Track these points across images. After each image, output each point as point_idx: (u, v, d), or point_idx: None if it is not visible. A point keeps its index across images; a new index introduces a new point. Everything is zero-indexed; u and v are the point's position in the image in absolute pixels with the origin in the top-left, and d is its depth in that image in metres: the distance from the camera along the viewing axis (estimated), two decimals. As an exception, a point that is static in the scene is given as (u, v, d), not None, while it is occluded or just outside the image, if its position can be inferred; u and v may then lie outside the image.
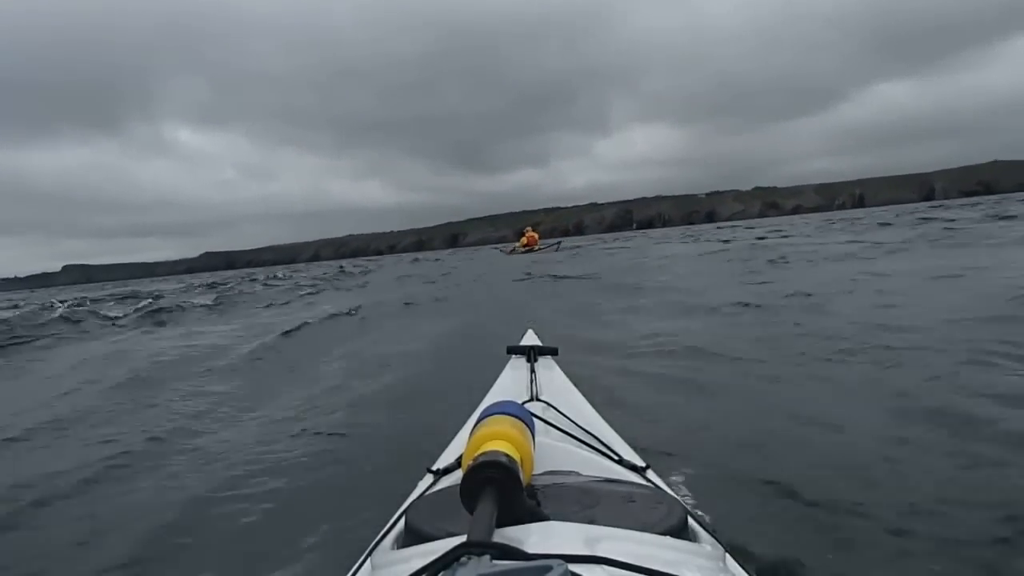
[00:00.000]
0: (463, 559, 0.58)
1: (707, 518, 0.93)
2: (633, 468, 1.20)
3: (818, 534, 1.76)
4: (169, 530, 2.18)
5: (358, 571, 0.88)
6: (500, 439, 0.82)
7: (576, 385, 1.80)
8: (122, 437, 3.35)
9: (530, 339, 2.11)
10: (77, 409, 4.13)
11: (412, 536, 0.85)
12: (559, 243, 30.58)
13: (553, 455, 1.15)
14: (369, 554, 0.87)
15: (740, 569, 0.83)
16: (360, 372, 4.61)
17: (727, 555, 0.82)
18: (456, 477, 1.08)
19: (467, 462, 0.78)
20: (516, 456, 0.79)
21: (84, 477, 2.76)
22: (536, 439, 1.00)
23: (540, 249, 25.92)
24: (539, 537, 0.70)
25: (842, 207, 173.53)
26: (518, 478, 0.74)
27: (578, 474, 1.05)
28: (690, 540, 0.81)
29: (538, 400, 1.52)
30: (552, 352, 1.94)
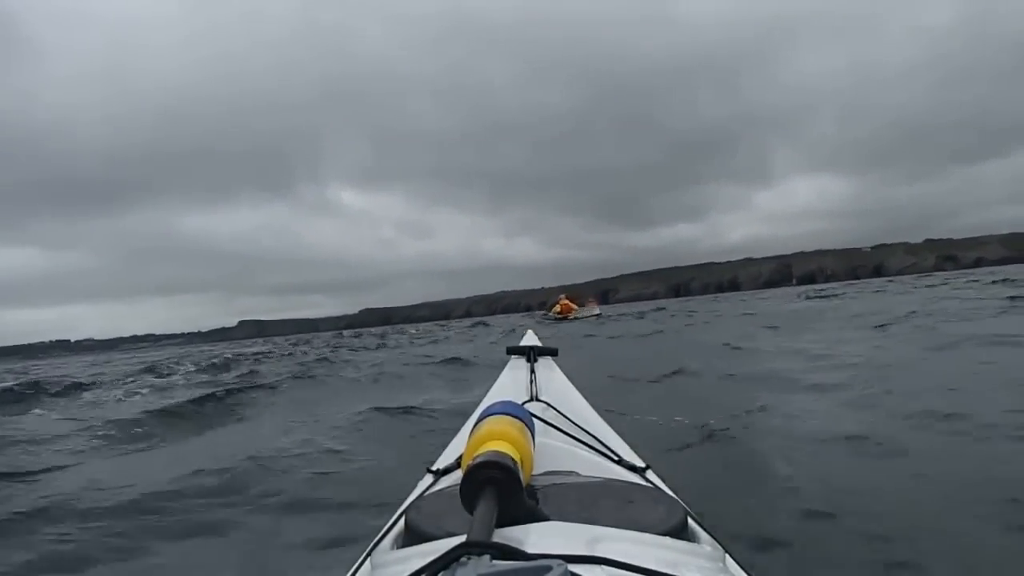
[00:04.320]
0: (463, 559, 0.58)
1: (707, 518, 0.93)
2: (633, 468, 1.20)
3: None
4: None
5: (358, 571, 0.88)
6: (500, 439, 0.82)
7: (575, 386, 1.80)
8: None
9: (530, 340, 2.11)
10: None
11: (412, 536, 0.84)
12: (599, 313, 25.64)
13: (553, 455, 1.15)
14: (369, 554, 0.87)
15: (740, 570, 0.83)
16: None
17: (727, 555, 0.82)
18: (456, 477, 1.08)
19: (467, 462, 0.78)
20: (516, 456, 0.79)
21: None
22: (536, 439, 1.00)
23: (577, 318, 23.24)
24: (539, 537, 0.70)
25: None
26: (518, 478, 0.74)
27: (578, 474, 1.05)
28: (690, 540, 0.81)
29: (538, 400, 1.52)
30: (552, 353, 1.94)
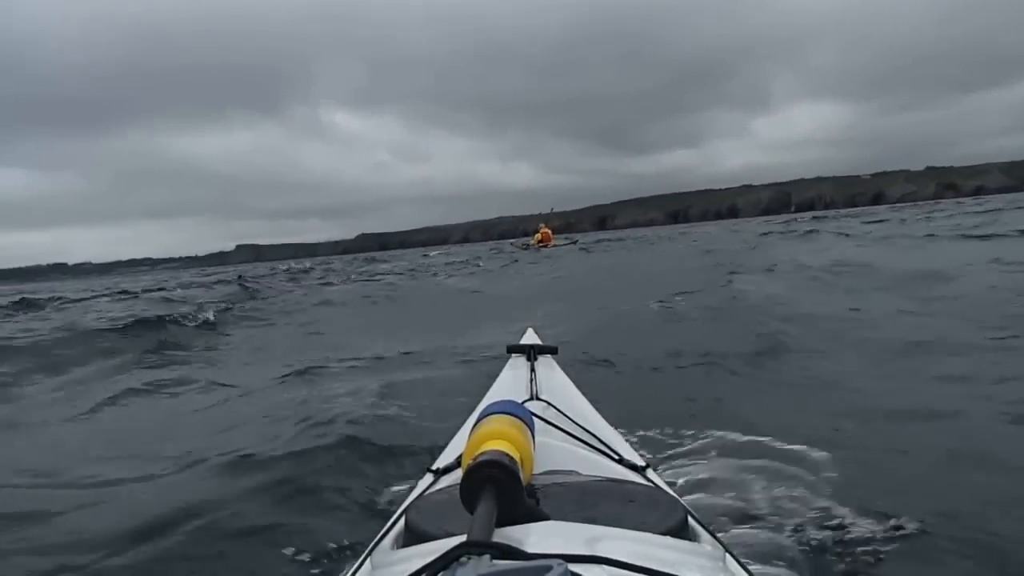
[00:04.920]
0: (463, 559, 0.58)
1: (707, 518, 0.93)
2: (633, 468, 1.20)
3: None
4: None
5: (358, 571, 0.88)
6: (500, 438, 0.82)
7: (576, 384, 1.79)
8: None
9: (530, 338, 2.10)
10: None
11: (412, 536, 0.84)
12: (576, 240, 29.97)
13: (553, 454, 1.15)
14: (369, 554, 0.87)
15: (740, 569, 0.83)
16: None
17: (727, 555, 0.82)
18: (456, 476, 1.08)
19: (467, 461, 0.78)
20: (516, 455, 0.78)
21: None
22: (536, 438, 1.00)
23: (556, 245, 25.44)
24: (539, 537, 0.70)
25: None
26: (518, 478, 0.74)
27: (578, 473, 1.05)
28: (690, 540, 0.81)
29: (538, 399, 1.52)
30: (552, 351, 1.94)
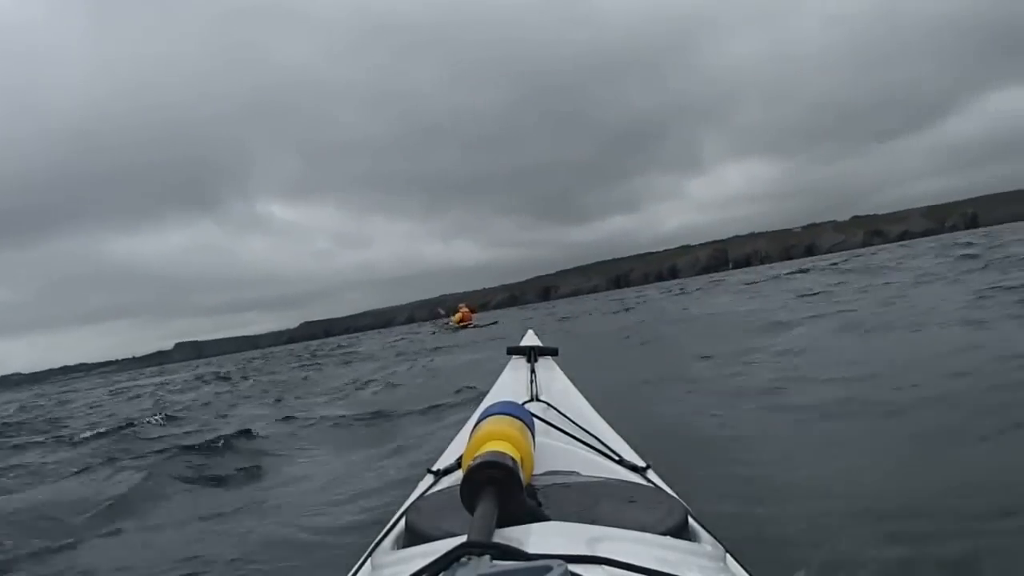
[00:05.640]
0: (463, 559, 0.58)
1: (707, 518, 0.93)
2: (633, 468, 1.19)
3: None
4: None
5: (358, 571, 0.88)
6: (500, 439, 0.82)
7: (576, 385, 1.79)
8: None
9: (530, 339, 2.10)
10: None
11: (412, 536, 0.84)
12: (496, 321, 26.92)
13: (553, 455, 1.15)
14: (369, 554, 0.87)
15: (740, 569, 0.83)
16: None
17: (727, 555, 0.82)
18: (456, 477, 1.08)
19: (467, 462, 0.78)
20: (516, 456, 0.78)
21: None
22: (536, 439, 1.00)
23: (477, 326, 23.50)
24: (539, 537, 0.70)
25: (954, 229, 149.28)
26: (518, 478, 0.74)
27: (578, 474, 1.05)
28: (691, 540, 0.81)
29: (538, 400, 1.52)
30: (552, 352, 1.94)
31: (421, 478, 1.25)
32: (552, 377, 1.80)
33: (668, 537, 0.76)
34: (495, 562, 0.57)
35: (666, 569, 0.64)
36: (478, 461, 0.75)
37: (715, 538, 0.86)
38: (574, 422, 1.36)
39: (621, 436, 1.44)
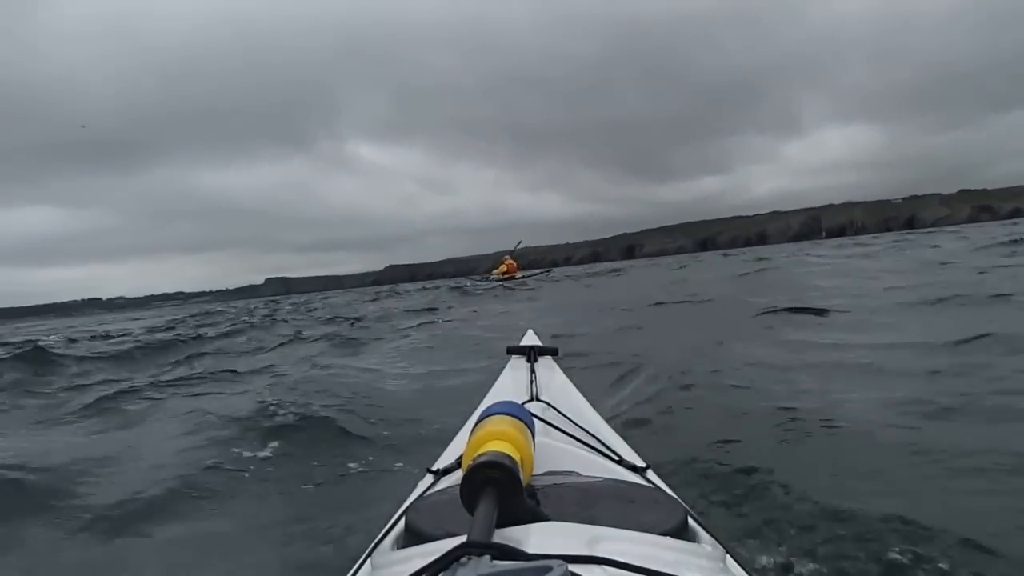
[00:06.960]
0: (463, 559, 0.58)
1: (707, 518, 0.93)
2: (633, 468, 1.19)
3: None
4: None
5: (358, 571, 0.88)
6: (500, 439, 0.82)
7: (576, 385, 1.79)
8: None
9: (530, 339, 2.10)
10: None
11: (412, 536, 0.84)
12: (549, 271, 28.14)
13: (553, 455, 1.15)
14: (369, 554, 0.87)
15: (740, 569, 0.83)
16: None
17: (727, 555, 0.82)
18: (456, 477, 1.08)
19: (467, 462, 0.78)
20: (516, 456, 0.79)
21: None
22: (536, 439, 1.00)
23: (521, 278, 24.01)
24: (539, 537, 0.70)
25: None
26: (518, 478, 0.74)
27: (578, 474, 1.05)
28: (690, 540, 0.81)
29: (538, 400, 1.52)
30: (552, 352, 1.94)
31: (421, 478, 1.25)
32: (552, 377, 1.81)
33: (668, 537, 0.77)
34: (495, 562, 0.57)
35: (666, 569, 0.64)
36: (478, 461, 0.75)
37: (715, 538, 0.86)
38: (574, 422, 1.36)
39: (622, 436, 1.44)
